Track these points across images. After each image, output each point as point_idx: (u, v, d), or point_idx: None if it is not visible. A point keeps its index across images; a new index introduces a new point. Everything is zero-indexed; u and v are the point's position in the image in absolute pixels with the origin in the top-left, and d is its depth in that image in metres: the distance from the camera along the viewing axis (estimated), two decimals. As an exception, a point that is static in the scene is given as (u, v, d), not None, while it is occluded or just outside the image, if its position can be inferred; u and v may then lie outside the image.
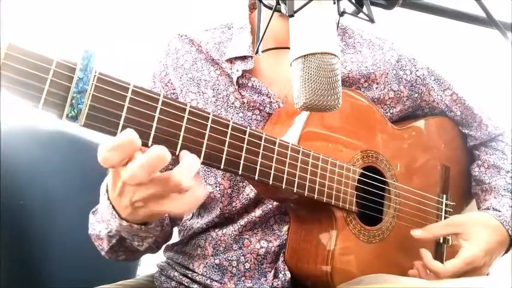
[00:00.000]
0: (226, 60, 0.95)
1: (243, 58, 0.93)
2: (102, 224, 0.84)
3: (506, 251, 0.97)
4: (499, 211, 0.97)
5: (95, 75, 0.58)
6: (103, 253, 0.88)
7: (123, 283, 0.99)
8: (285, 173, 0.76)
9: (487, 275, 1.05)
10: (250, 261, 0.90)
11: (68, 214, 1.13)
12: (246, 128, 0.71)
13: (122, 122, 0.60)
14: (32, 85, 0.55)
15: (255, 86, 0.92)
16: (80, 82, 0.57)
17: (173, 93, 0.96)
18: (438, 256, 1.01)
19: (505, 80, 2.12)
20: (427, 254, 0.92)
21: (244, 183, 0.90)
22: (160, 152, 0.58)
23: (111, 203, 0.69)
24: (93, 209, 0.90)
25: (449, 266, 0.89)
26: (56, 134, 1.18)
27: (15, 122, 1.11)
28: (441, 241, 1.00)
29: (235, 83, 0.92)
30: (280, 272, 0.88)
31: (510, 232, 0.93)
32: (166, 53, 0.98)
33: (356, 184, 0.87)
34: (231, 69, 0.94)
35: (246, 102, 0.92)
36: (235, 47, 0.95)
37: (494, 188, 1.04)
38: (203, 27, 1.03)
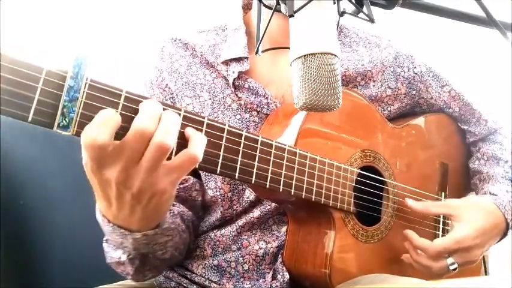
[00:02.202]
0: (222, 63, 0.94)
1: (239, 60, 0.93)
2: (118, 250, 0.78)
3: (504, 236, 0.96)
4: (496, 195, 0.97)
5: (86, 83, 0.57)
6: (129, 277, 0.83)
7: (123, 283, 0.99)
8: (282, 176, 0.76)
9: (484, 260, 1.06)
10: (249, 262, 0.90)
11: (68, 214, 1.13)
12: (242, 131, 0.71)
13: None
14: (22, 95, 0.53)
15: (251, 87, 0.92)
16: (71, 90, 0.56)
17: (171, 98, 0.95)
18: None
19: (505, 80, 2.12)
20: (412, 234, 0.91)
21: (243, 186, 0.90)
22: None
23: (114, 225, 0.67)
24: (105, 238, 0.83)
25: (438, 242, 0.89)
26: (56, 134, 1.17)
27: (14, 121, 1.10)
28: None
29: (231, 85, 0.92)
30: (279, 273, 0.88)
31: (506, 215, 0.93)
32: (161, 58, 0.97)
33: (354, 184, 0.87)
34: (226, 71, 0.93)
35: (243, 104, 0.92)
36: (230, 49, 0.95)
37: (493, 176, 1.05)
38: (197, 30, 1.03)
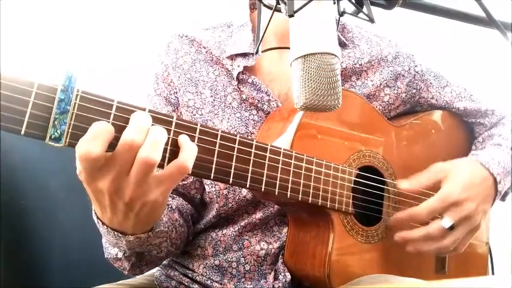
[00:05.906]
0: (227, 57, 0.95)
1: (244, 55, 0.94)
2: (115, 248, 0.82)
3: (497, 193, 0.94)
4: (477, 155, 0.98)
5: (77, 94, 0.58)
6: (126, 272, 0.86)
7: (123, 283, 0.99)
8: (278, 179, 0.76)
9: (491, 259, 1.05)
10: (250, 262, 0.90)
11: (68, 214, 1.13)
12: (236, 136, 0.71)
13: None
14: (14, 109, 0.54)
15: (254, 83, 0.93)
16: (62, 103, 0.57)
17: (175, 92, 0.97)
18: (439, 262, 1.01)
19: (505, 80, 2.12)
20: (395, 219, 0.90)
21: None
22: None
23: (108, 227, 0.68)
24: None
25: (424, 204, 0.87)
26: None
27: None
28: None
29: (235, 79, 0.93)
30: (280, 274, 0.88)
31: (491, 170, 0.92)
32: (166, 53, 0.99)
33: (352, 185, 0.87)
34: (231, 65, 0.94)
35: (244, 98, 0.93)
36: (235, 44, 0.96)
37: (484, 147, 1.05)
38: (203, 27, 1.04)
